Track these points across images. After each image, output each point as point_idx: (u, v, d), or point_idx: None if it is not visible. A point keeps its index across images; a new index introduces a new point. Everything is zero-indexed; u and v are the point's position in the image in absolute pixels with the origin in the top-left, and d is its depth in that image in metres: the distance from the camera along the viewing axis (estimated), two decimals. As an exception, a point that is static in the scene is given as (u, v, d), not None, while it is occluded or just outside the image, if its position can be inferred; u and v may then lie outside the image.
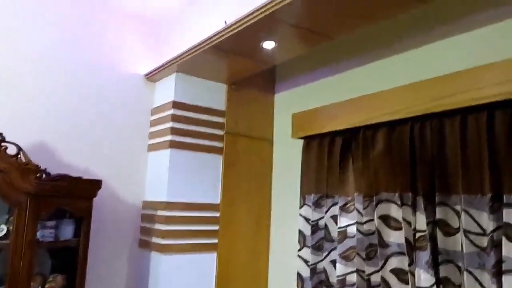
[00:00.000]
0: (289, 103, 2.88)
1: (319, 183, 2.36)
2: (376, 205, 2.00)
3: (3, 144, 1.96)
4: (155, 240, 2.55)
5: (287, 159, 2.85)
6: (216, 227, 2.67)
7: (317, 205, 2.36)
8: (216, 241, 2.65)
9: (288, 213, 2.74)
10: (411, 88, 1.96)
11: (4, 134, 1.98)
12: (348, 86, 2.43)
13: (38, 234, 2.04)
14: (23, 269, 1.95)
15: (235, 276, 2.69)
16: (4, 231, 1.99)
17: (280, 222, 2.83)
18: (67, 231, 2.19)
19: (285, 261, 2.71)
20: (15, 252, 1.94)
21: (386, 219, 1.98)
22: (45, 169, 2.06)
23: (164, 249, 2.47)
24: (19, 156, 2.00)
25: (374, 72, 2.29)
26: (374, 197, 2.03)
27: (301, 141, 2.58)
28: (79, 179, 2.18)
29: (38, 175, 2.02)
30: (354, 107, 2.21)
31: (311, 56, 2.69)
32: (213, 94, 2.78)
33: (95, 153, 2.61)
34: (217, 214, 2.69)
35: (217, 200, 2.70)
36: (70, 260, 2.22)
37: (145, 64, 2.83)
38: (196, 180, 2.64)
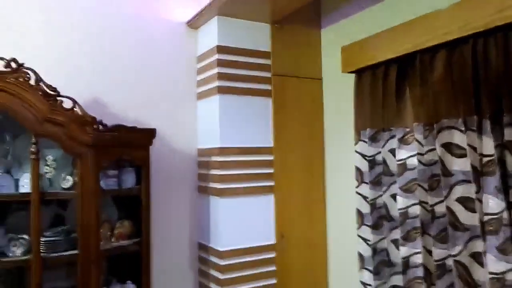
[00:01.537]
0: (337, 37, 2.74)
1: (374, 117, 2.26)
2: (438, 133, 1.89)
3: (58, 98, 2.02)
4: (212, 184, 2.60)
5: (337, 96, 2.75)
6: (271, 170, 2.67)
7: (373, 139, 2.27)
8: (272, 183, 2.66)
9: (342, 151, 2.68)
10: (469, 2, 1.78)
11: (58, 89, 2.03)
12: (398, 11, 2.26)
13: (102, 183, 2.13)
14: (91, 216, 2.06)
15: (293, 216, 2.71)
16: (71, 182, 2.09)
17: (334, 161, 2.78)
18: (129, 179, 2.28)
19: (342, 199, 2.68)
20: (82, 201, 2.05)
21: (449, 146, 1.87)
22: (101, 120, 2.12)
23: (221, 193, 2.52)
24: (74, 109, 2.06)
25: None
26: (434, 125, 1.91)
27: (352, 76, 2.47)
28: (134, 128, 2.23)
29: (95, 126, 2.07)
30: (407, 32, 2.06)
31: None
32: (257, 35, 2.69)
33: (146, 104, 2.65)
34: (271, 158, 2.68)
35: (269, 143, 2.68)
36: (134, 207, 2.33)
37: (186, 11, 2.77)
38: (247, 124, 2.62)
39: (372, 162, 2.27)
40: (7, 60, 1.92)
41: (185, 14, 2.75)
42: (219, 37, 2.57)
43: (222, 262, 2.49)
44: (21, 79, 1.93)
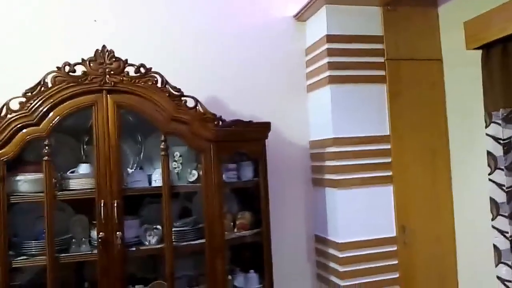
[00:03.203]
0: (457, 14, 2.52)
1: (508, 95, 2.04)
2: None
3: (182, 98, 2.15)
4: (328, 176, 2.57)
5: (461, 77, 2.54)
6: (388, 159, 2.55)
7: (508, 120, 2.05)
8: (390, 173, 2.54)
9: (469, 136, 2.46)
10: None
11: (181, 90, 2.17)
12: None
13: (224, 176, 2.23)
14: (216, 207, 2.17)
15: (415, 207, 2.56)
16: (196, 176, 2.22)
17: (460, 147, 2.57)
18: (247, 172, 2.35)
19: (472, 187, 2.46)
20: (207, 193, 2.17)
21: None
22: (220, 116, 2.21)
23: (337, 184, 2.48)
24: (197, 107, 2.18)
25: None
26: None
27: (477, 53, 2.24)
28: (250, 123, 2.29)
29: (215, 122, 2.18)
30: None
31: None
32: (367, 19, 2.59)
33: (258, 99, 2.71)
34: (388, 146, 2.56)
35: (386, 131, 2.57)
36: (253, 199, 2.40)
37: (292, 6, 2.77)
38: (361, 113, 2.55)
39: (508, 146, 2.05)
40: (137, 66, 2.10)
41: (292, 8, 2.75)
42: (328, 26, 2.53)
43: (341, 255, 2.45)
44: (149, 83, 2.09)
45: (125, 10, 2.56)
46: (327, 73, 2.51)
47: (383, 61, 2.59)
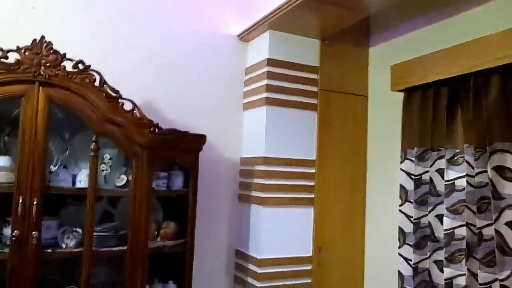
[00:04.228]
0: (385, 56, 2.78)
1: (422, 136, 2.27)
2: (490, 156, 1.89)
3: (120, 100, 2.12)
4: (254, 193, 2.65)
5: (383, 114, 2.78)
6: (312, 183, 2.71)
7: (420, 158, 2.28)
8: (312, 196, 2.69)
9: (386, 169, 2.70)
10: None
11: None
12: (451, 34, 2.28)
13: (153, 184, 2.21)
14: (142, 215, 2.14)
15: (331, 230, 2.73)
16: (125, 181, 2.18)
17: (377, 179, 2.80)
18: (177, 182, 2.35)
19: (384, 216, 2.68)
20: (134, 199, 2.13)
21: (501, 170, 1.87)
22: (157, 123, 2.21)
23: (263, 202, 2.57)
24: (134, 111, 2.15)
25: (482, 15, 2.12)
26: (487, 148, 1.91)
27: (399, 95, 2.48)
28: (186, 133, 2.31)
29: (151, 129, 2.17)
30: (461, 54, 2.07)
31: (407, 4, 2.53)
32: (306, 50, 2.76)
33: (196, 111, 2.74)
34: (313, 170, 2.71)
35: (312, 156, 2.72)
36: (179, 209, 2.40)
37: (237, 24, 2.86)
38: (292, 136, 2.68)
39: (418, 181, 2.28)
40: (75, 61, 2.03)
41: (237, 27, 2.84)
42: (269, 50, 2.65)
43: (260, 270, 2.53)
44: (87, 80, 2.04)
45: (69, 2, 2.46)
46: (265, 95, 2.62)
47: (316, 90, 2.76)
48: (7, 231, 1.94)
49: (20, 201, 1.89)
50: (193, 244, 2.33)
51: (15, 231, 1.87)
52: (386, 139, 2.71)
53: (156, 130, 2.20)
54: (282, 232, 2.60)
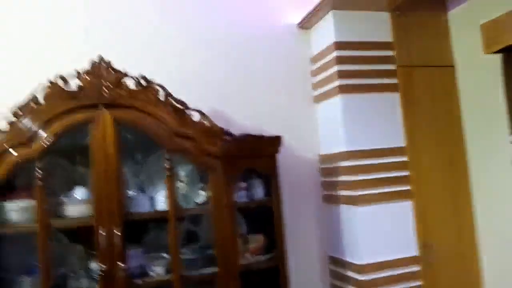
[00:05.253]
0: (469, 17, 2.43)
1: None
2: None
3: (187, 112, 1.98)
4: (342, 192, 2.39)
5: (477, 83, 2.42)
6: (405, 173, 2.40)
7: (538, 126, 1.91)
8: (408, 187, 2.39)
9: (490, 144, 2.33)
10: None
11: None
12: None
13: (235, 196, 2.04)
14: (227, 231, 1.98)
15: (436, 223, 2.40)
16: (204, 197, 2.03)
17: (481, 158, 2.43)
18: (258, 190, 2.17)
19: (496, 201, 2.31)
20: (217, 215, 1.98)
21: None
22: (228, 130, 2.04)
23: (354, 201, 2.30)
24: (203, 121, 2.00)
25: None
26: None
27: (494, 58, 2.14)
28: (260, 137, 2.13)
29: (223, 137, 2.00)
30: None
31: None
32: (376, 25, 2.47)
33: (262, 111, 2.55)
34: (405, 158, 2.41)
35: (401, 142, 2.42)
36: (264, 219, 2.21)
37: (295, 12, 2.63)
38: (374, 124, 2.40)
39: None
40: (136, 78, 1.92)
41: (295, 16, 2.62)
42: (336, 33, 2.40)
43: (362, 277, 2.27)
44: (151, 96, 1.92)
45: (121, 18, 2.37)
46: (337, 82, 2.37)
47: (394, 68, 2.46)
48: (93, 265, 1.86)
49: (102, 232, 1.80)
50: (285, 256, 2.13)
51: (102, 265, 1.77)
52: (484, 110, 2.35)
53: (228, 137, 2.03)
54: (380, 232, 2.31)
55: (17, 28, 2.21)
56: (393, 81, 2.45)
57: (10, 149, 1.73)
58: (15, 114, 1.76)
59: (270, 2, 2.65)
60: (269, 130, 2.33)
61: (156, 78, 1.95)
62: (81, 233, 1.92)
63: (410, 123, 2.44)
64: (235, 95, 2.51)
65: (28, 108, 1.76)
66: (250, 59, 2.58)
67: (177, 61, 2.41)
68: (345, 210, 2.38)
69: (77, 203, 1.88)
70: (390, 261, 2.30)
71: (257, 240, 2.17)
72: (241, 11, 2.60)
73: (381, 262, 2.28)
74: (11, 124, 1.75)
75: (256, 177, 2.19)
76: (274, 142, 2.16)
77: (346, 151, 2.34)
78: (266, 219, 2.19)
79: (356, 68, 2.40)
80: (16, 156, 1.75)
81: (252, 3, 2.63)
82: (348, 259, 2.36)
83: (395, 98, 2.44)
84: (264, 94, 2.58)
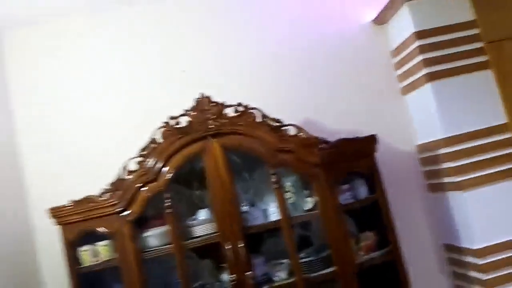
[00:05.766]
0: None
1: None
2: None
3: (283, 128, 2.13)
4: (448, 179, 2.38)
5: None
6: (511, 150, 2.32)
7: None
8: (516, 164, 2.30)
9: None
10: None
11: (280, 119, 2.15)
12: None
13: (340, 198, 2.15)
14: (339, 232, 2.09)
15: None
16: (311, 203, 2.17)
17: None
18: (362, 190, 2.25)
19: None
20: (326, 219, 2.10)
21: None
22: (323, 138, 2.16)
23: (462, 186, 2.28)
24: (299, 134, 2.14)
25: None
26: None
27: None
28: (355, 139, 2.21)
29: (320, 146, 2.12)
30: None
31: None
32: (454, 6, 2.43)
33: (350, 111, 2.63)
34: (508, 135, 2.33)
35: (502, 119, 2.34)
36: (370, 217, 2.28)
37: (367, 11, 2.68)
38: (470, 105, 2.35)
39: None
40: (234, 105, 2.12)
41: (369, 13, 2.66)
42: (414, 23, 2.40)
43: (481, 261, 2.24)
44: (249, 120, 2.10)
45: (214, 57, 2.63)
46: (424, 71, 2.37)
47: (481, 45, 2.39)
48: (223, 277, 2.09)
49: (228, 246, 2.01)
50: (400, 250, 2.18)
51: (232, 276, 1.99)
52: None
53: (324, 145, 2.14)
54: (493, 214, 2.26)
55: (129, 84, 2.59)
56: (483, 58, 2.38)
57: (142, 188, 2.03)
58: (141, 156, 2.05)
59: (341, 4, 2.72)
60: (362, 129, 2.39)
61: (251, 102, 2.14)
62: (208, 249, 2.16)
63: (509, 97, 2.35)
64: (323, 102, 2.62)
65: (150, 149, 2.05)
66: (331, 64, 2.67)
67: (266, 82, 2.61)
68: (453, 197, 2.37)
69: (202, 224, 2.13)
70: (509, 241, 2.23)
71: (369, 238, 2.25)
72: (315, 19, 2.71)
73: (499, 244, 2.24)
74: (139, 164, 2.05)
75: (358, 178, 2.28)
76: (370, 141, 2.23)
77: (445, 137, 2.33)
78: (373, 216, 2.27)
79: (441, 54, 2.38)
80: (147, 191, 2.04)
81: (323, 8, 2.72)
82: (464, 244, 2.34)
83: (488, 75, 2.37)
84: (351, 95, 2.65)
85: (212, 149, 2.07)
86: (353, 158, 2.20)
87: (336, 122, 2.57)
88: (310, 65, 2.66)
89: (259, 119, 2.12)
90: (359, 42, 2.71)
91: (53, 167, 2.45)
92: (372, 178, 2.24)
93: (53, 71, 2.56)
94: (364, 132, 2.30)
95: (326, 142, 2.18)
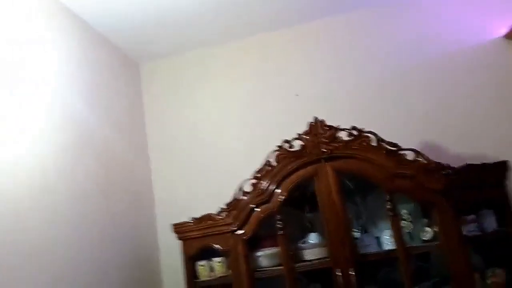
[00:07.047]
0: None
1: None
2: None
3: (400, 152, 2.04)
4: None
5: None
6: None
7: None
8: None
9: None
10: None
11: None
12: None
13: (464, 230, 1.97)
14: (461, 267, 1.91)
15: None
16: (430, 233, 2.02)
17: None
18: (490, 221, 2.05)
19: None
20: (448, 252, 1.94)
21: None
22: (447, 164, 2.01)
23: None
24: (418, 159, 2.03)
25: None
26: None
27: None
28: (482, 165, 2.03)
29: (442, 172, 1.98)
30: None
31: None
32: None
33: (480, 135, 2.40)
34: None
35: None
36: (500, 252, 2.05)
37: (496, 26, 2.46)
38: None
39: None
40: (348, 129, 2.09)
41: (499, 27, 2.44)
42: (552, 38, 2.14)
43: None
44: (364, 143, 2.05)
45: (324, 80, 2.66)
46: None
47: None
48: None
49: (339, 273, 1.97)
50: (536, 294, 1.92)
51: (344, 303, 1.94)
52: None
53: (448, 171, 1.99)
54: None
55: (249, 109, 2.74)
56: None
57: (256, 208, 2.09)
58: (255, 178, 2.12)
59: (469, 20, 2.54)
60: (491, 154, 2.19)
61: (365, 126, 2.08)
62: (318, 274, 2.13)
63: None
64: (446, 124, 2.45)
65: (264, 171, 2.11)
66: (456, 83, 2.50)
67: (381, 104, 2.53)
68: None
69: (313, 247, 2.12)
70: None
71: (497, 275, 2.02)
72: (440, 35, 2.57)
73: None
74: (254, 185, 2.12)
75: (486, 208, 2.07)
76: (500, 168, 2.03)
77: None
78: (503, 251, 2.05)
79: None
80: (260, 212, 2.10)
81: (450, 24, 2.57)
82: None
83: None
84: (478, 116, 2.43)
85: (325, 173, 2.05)
86: (480, 186, 2.02)
87: (459, 146, 2.37)
88: (432, 85, 2.52)
89: (374, 143, 2.06)
90: (488, 59, 2.49)
91: (179, 188, 2.68)
92: (502, 208, 2.02)
93: (182, 100, 2.84)
94: (494, 157, 2.09)
95: (449, 167, 2.02)
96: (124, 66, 2.77)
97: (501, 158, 2.04)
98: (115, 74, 2.65)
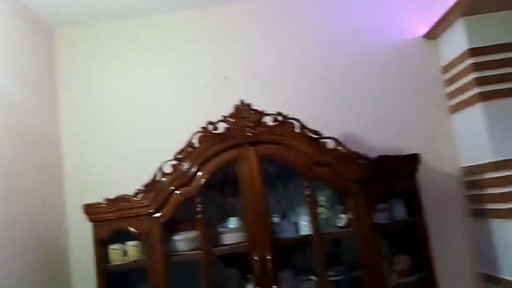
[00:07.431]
0: None
1: None
2: None
3: (321, 140, 2.07)
4: (492, 206, 2.24)
5: None
6: None
7: None
8: None
9: None
10: None
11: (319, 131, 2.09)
12: None
13: (375, 218, 2.06)
14: (371, 253, 2.01)
15: None
16: (344, 220, 2.09)
17: None
18: (399, 211, 2.16)
19: None
20: (360, 238, 2.02)
21: None
22: (364, 154, 2.08)
23: (506, 214, 2.14)
24: (338, 148, 2.07)
25: None
26: None
27: None
28: (397, 157, 2.12)
29: (359, 161, 2.04)
30: None
31: None
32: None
33: (393, 127, 2.54)
34: None
35: (558, 146, 2.19)
36: (406, 239, 2.18)
37: (418, 26, 2.58)
38: (525, 129, 2.21)
39: None
40: (274, 114, 2.07)
41: (420, 28, 2.56)
42: (469, 40, 2.29)
43: (524, 297, 2.09)
44: (288, 130, 2.05)
45: (255, 64, 2.63)
46: (476, 90, 2.25)
47: (540, 66, 2.24)
48: (249, 287, 2.04)
49: (256, 258, 1.97)
50: (435, 278, 2.07)
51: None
52: None
53: (363, 161, 2.06)
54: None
55: (171, 88, 2.62)
56: (541, 80, 2.23)
57: (175, 190, 2.02)
58: (176, 159, 2.04)
59: (391, 17, 2.64)
60: (405, 147, 2.31)
61: (290, 112, 2.08)
62: (236, 259, 2.12)
63: None
64: (366, 116, 2.55)
65: (186, 152, 2.04)
66: (377, 78, 2.60)
67: (306, 92, 2.56)
68: (497, 224, 2.23)
69: (232, 232, 2.10)
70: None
71: (403, 261, 2.15)
72: (363, 32, 2.64)
73: (545, 279, 2.08)
74: (174, 167, 2.04)
75: (396, 197, 2.18)
76: (412, 160, 2.13)
77: (494, 161, 2.19)
78: (410, 239, 2.17)
79: (495, 73, 2.25)
80: (179, 194, 2.03)
81: (371, 21, 2.65)
82: (504, 275, 2.20)
83: (546, 96, 2.22)
84: (396, 111, 2.56)
85: (248, 157, 2.03)
86: (393, 176, 2.10)
87: (378, 139, 2.49)
88: (355, 78, 2.59)
89: (298, 129, 2.07)
90: (408, 57, 2.62)
91: (92, 165, 2.51)
92: (412, 199, 2.14)
93: (98, 73, 2.64)
94: (407, 150, 2.21)
95: (366, 158, 2.10)
96: (39, 31, 2.51)
97: (414, 150, 2.15)
98: (28, 38, 2.39)
